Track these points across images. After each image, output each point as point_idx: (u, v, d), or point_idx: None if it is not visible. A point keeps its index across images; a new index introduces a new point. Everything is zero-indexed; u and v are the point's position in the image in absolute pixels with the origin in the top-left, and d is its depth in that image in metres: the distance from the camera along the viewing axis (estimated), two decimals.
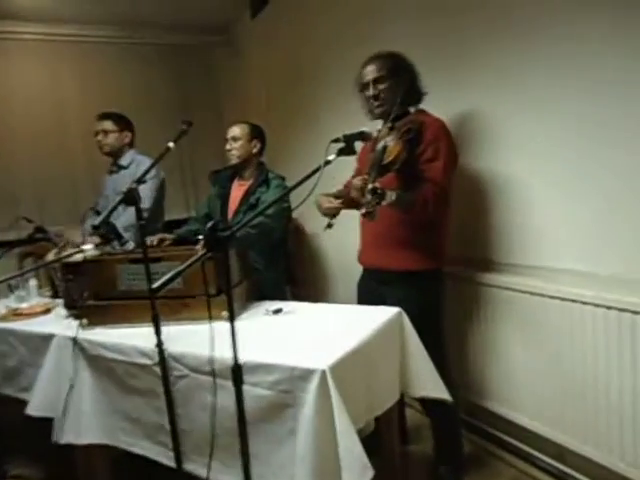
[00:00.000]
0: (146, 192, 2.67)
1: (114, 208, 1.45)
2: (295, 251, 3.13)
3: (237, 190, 2.44)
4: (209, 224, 1.12)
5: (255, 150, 2.45)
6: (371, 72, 1.90)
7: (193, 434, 1.61)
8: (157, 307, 1.51)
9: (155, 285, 1.04)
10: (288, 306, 1.98)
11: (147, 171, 1.61)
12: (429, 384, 1.81)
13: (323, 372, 1.31)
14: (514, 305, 2.06)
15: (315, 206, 1.93)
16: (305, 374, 1.34)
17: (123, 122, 2.73)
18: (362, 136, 1.64)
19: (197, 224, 2.46)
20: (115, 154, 2.73)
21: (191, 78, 4.72)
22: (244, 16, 4.32)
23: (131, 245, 2.35)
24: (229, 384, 1.42)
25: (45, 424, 1.91)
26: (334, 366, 1.34)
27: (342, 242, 3.23)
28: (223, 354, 1.38)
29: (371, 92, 1.89)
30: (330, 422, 1.31)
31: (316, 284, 3.50)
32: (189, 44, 4.64)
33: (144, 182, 2.64)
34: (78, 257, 1.95)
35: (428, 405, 2.04)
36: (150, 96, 4.39)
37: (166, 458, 1.68)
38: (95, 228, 1.50)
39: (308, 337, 1.62)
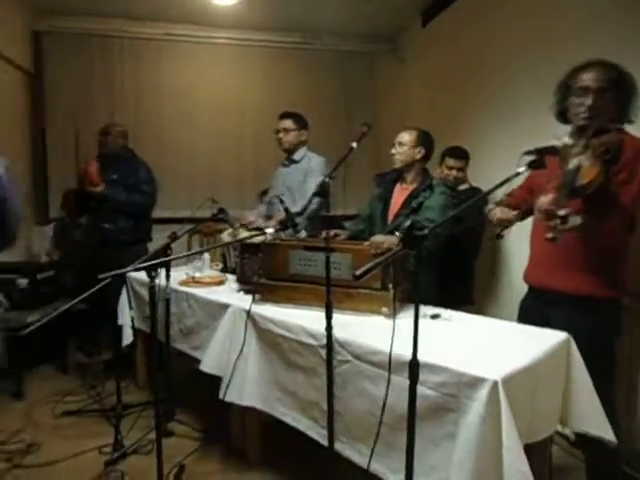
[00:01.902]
0: (310, 185, 2.88)
1: (310, 200, 1.60)
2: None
3: (399, 194, 2.50)
4: (407, 222, 1.18)
5: (418, 156, 2.48)
6: (591, 80, 1.75)
7: (345, 417, 1.70)
8: (330, 294, 1.63)
9: (357, 273, 1.13)
10: (445, 313, 1.99)
11: (335, 168, 1.74)
12: (593, 420, 1.68)
13: (495, 383, 1.30)
14: None
15: (488, 215, 1.90)
16: (474, 382, 1.34)
17: (301, 121, 2.97)
18: (554, 151, 1.59)
19: (363, 224, 2.58)
20: (292, 150, 2.97)
21: (354, 83, 4.94)
22: (414, 25, 4.40)
23: (303, 234, 2.54)
24: (393, 377, 1.50)
25: (210, 380, 2.17)
26: (506, 379, 1.33)
27: (505, 257, 3.18)
28: (391, 348, 1.44)
29: (590, 102, 1.76)
30: (496, 434, 1.29)
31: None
32: (358, 51, 4.86)
33: (313, 175, 2.90)
34: (257, 239, 2.16)
35: (587, 444, 1.89)
36: (317, 98, 4.69)
37: (316, 434, 1.81)
38: (298, 215, 1.66)
39: (474, 346, 1.62)
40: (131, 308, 2.84)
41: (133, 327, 2.85)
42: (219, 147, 4.54)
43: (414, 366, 1.25)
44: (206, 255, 2.98)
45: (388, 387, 1.46)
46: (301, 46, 4.68)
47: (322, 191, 1.60)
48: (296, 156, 2.99)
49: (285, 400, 1.94)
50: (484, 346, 1.63)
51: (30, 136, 4.24)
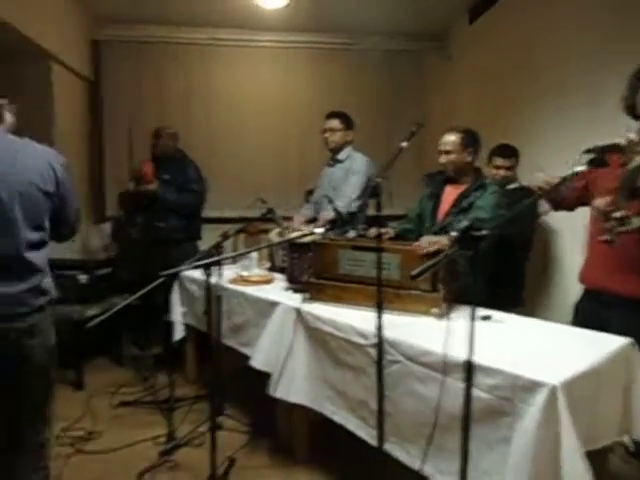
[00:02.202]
0: (354, 184, 2.89)
1: (365, 202, 1.61)
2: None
3: (450, 193, 2.46)
4: (464, 223, 1.17)
5: (469, 158, 2.43)
6: None
7: (395, 417, 1.70)
8: (381, 294, 1.64)
9: (414, 273, 1.13)
10: (496, 315, 1.95)
11: (387, 168, 1.74)
12: None
13: (554, 388, 1.27)
14: None
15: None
16: (531, 386, 1.32)
17: (348, 121, 2.99)
18: (617, 148, 1.53)
19: (411, 223, 2.56)
20: (337, 150, 2.99)
21: (400, 82, 4.91)
22: (461, 22, 4.33)
23: (352, 233, 2.56)
24: (445, 379, 1.49)
25: (257, 376, 2.22)
26: (565, 384, 1.29)
27: (557, 257, 3.09)
28: (444, 350, 1.43)
29: None
30: (555, 440, 1.26)
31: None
32: (404, 50, 4.82)
33: (355, 174, 2.92)
34: (306, 238, 2.20)
35: None
36: (363, 98, 4.70)
37: (365, 433, 1.82)
38: (353, 215, 1.67)
39: (528, 349, 1.58)
40: (182, 304, 2.94)
41: (184, 323, 2.95)
42: (264, 147, 4.62)
43: (469, 368, 1.23)
44: (254, 254, 3.05)
45: (442, 389, 1.45)
46: (347, 46, 4.70)
47: (374, 191, 1.60)
48: (341, 156, 3.01)
49: (334, 398, 1.96)
50: (539, 349, 1.60)
51: (88, 139, 4.46)
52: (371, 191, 1.59)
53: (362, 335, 1.80)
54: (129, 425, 2.62)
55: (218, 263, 1.92)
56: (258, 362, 2.21)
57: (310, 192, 3.71)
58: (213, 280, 2.00)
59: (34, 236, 1.50)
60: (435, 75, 4.85)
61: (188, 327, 3.02)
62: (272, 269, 2.95)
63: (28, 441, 1.58)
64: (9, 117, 1.59)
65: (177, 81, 4.53)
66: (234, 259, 3.06)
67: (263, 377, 2.20)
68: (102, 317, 1.88)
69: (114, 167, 4.46)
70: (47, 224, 1.55)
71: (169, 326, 3.01)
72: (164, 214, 3.36)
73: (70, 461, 2.26)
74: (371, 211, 3.09)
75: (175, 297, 2.99)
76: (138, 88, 4.46)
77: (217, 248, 2.30)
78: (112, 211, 4.36)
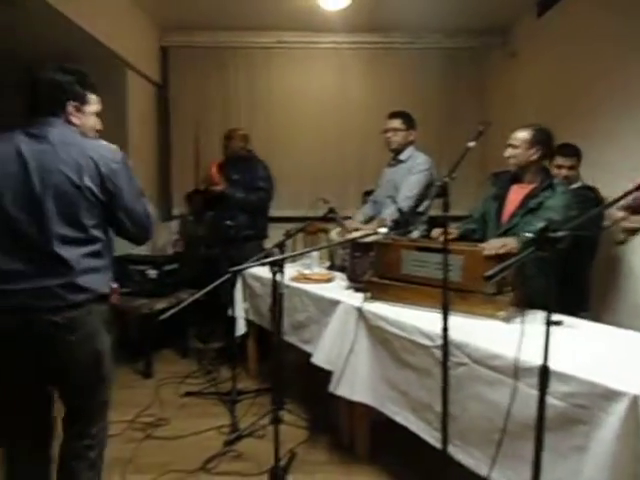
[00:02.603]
0: (413, 183, 2.87)
1: (430, 202, 1.60)
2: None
3: (516, 193, 2.39)
4: (539, 224, 1.14)
5: (534, 157, 2.33)
6: None
7: (460, 420, 1.68)
8: (447, 295, 1.62)
9: (488, 274, 1.12)
10: (568, 320, 1.88)
11: (454, 169, 1.71)
12: None
13: (635, 397, 1.21)
14: None
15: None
16: (609, 394, 1.26)
17: (410, 121, 2.97)
18: None
19: (475, 224, 2.51)
20: (399, 150, 2.98)
21: (460, 80, 4.81)
22: (528, 16, 4.18)
23: (415, 234, 2.55)
24: (517, 384, 1.45)
25: (316, 373, 2.26)
26: None
27: (625, 261, 2.92)
28: (517, 354, 1.40)
29: None
30: (634, 451, 1.21)
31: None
32: (464, 47, 4.72)
33: (415, 174, 2.89)
34: (370, 238, 2.21)
35: None
36: (422, 97, 4.65)
37: (429, 435, 1.81)
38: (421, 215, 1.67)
39: (603, 356, 1.52)
40: (245, 300, 3.04)
41: (246, 319, 3.05)
42: (324, 148, 4.69)
43: (544, 373, 1.20)
44: (314, 253, 3.09)
45: (513, 394, 1.42)
46: (407, 45, 4.67)
47: (441, 191, 1.59)
48: (403, 156, 2.99)
49: (396, 399, 1.96)
50: (614, 356, 1.53)
51: (157, 142, 4.69)
52: (438, 191, 1.58)
53: (427, 336, 1.79)
54: (194, 414, 2.74)
55: (284, 261, 1.97)
56: (320, 360, 2.25)
57: (368, 193, 3.71)
58: (274, 278, 2.07)
59: (68, 232, 1.47)
60: (498, 72, 4.71)
61: (249, 323, 3.11)
62: (332, 268, 2.99)
63: (75, 426, 1.63)
64: (77, 118, 1.57)
65: (241, 84, 4.68)
66: (294, 257, 3.13)
67: (322, 374, 2.24)
68: (173, 310, 1.98)
69: (180, 168, 4.67)
70: (90, 221, 1.50)
71: (231, 321, 3.11)
72: (232, 213, 3.47)
73: (141, 445, 2.40)
74: (436, 211, 3.06)
75: (238, 293, 3.09)
76: (203, 92, 4.64)
77: (281, 246, 2.37)
78: (178, 210, 4.56)
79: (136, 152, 3.91)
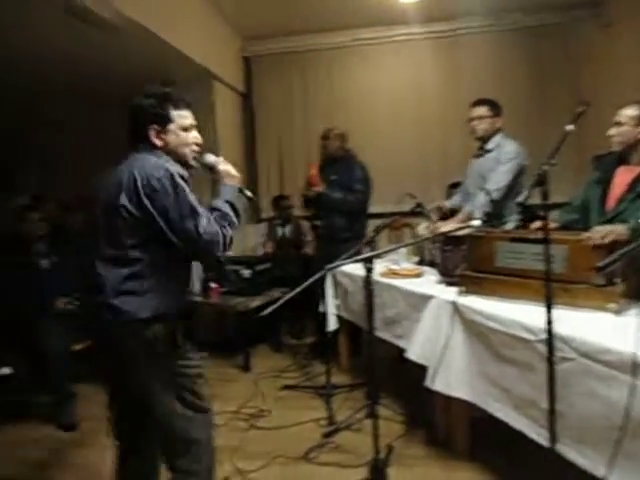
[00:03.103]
0: (503, 173, 2.75)
1: (529, 192, 1.55)
2: None
3: (622, 176, 2.22)
4: None
5: None
6: None
7: (570, 418, 1.60)
8: (550, 288, 1.55)
9: (601, 264, 1.07)
10: None
11: (553, 154, 1.63)
12: None
13: None
14: None
15: None
16: None
17: (496, 108, 2.86)
18: None
19: (575, 212, 2.37)
20: (486, 139, 2.88)
21: (547, 59, 4.52)
22: None
23: (510, 225, 2.47)
24: (636, 381, 1.36)
25: (409, 368, 2.26)
26: None
27: None
28: (636, 349, 1.32)
29: None
30: None
31: None
32: (550, 24, 4.44)
33: (505, 163, 2.78)
34: (462, 231, 2.17)
35: None
36: (508, 81, 4.44)
37: (534, 432, 1.74)
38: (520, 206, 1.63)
39: None
40: (336, 297, 3.11)
41: (337, 315, 3.12)
42: (404, 142, 4.64)
43: None
44: (402, 248, 3.09)
45: (632, 391, 1.33)
46: (485, 29, 4.49)
47: (540, 180, 1.53)
48: (490, 145, 2.88)
49: (497, 395, 1.91)
50: None
51: (243, 149, 4.94)
52: (537, 180, 1.52)
53: (529, 330, 1.73)
54: (293, 407, 2.87)
55: (376, 257, 2.00)
56: (414, 354, 2.26)
57: (455, 185, 3.63)
58: (368, 274, 2.10)
59: (109, 251, 1.48)
60: (590, 47, 4.36)
61: (340, 319, 3.18)
62: (420, 263, 2.97)
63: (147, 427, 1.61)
64: (159, 140, 1.55)
65: (320, 86, 4.77)
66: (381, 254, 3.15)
67: (416, 368, 2.24)
68: (273, 307, 2.07)
69: (266, 173, 4.88)
70: (129, 240, 1.45)
71: (322, 317, 3.20)
72: (327, 214, 3.52)
73: (247, 434, 2.56)
74: (533, 200, 2.93)
75: (329, 290, 3.17)
76: (285, 97, 4.80)
77: (370, 243, 2.40)
78: (266, 213, 4.76)
79: (225, 159, 4.14)
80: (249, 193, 1.78)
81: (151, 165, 1.46)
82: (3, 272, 2.96)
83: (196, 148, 1.64)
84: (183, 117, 1.60)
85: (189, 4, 3.59)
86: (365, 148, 4.58)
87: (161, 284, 1.50)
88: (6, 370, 2.84)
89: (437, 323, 2.19)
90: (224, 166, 1.68)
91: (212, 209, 1.55)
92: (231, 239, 1.53)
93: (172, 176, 1.44)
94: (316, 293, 3.19)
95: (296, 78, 4.79)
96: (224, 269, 3.70)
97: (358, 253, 2.12)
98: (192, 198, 1.46)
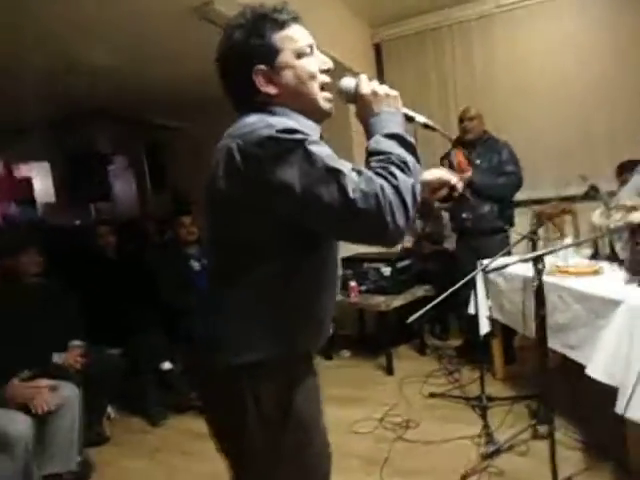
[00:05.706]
0: None
1: None
2: None
3: None
4: None
5: None
6: None
7: None
8: None
9: None
10: None
11: None
12: None
13: None
14: None
15: None
16: None
17: None
18: None
19: None
20: None
21: None
22: None
23: None
24: None
25: (592, 385, 1.84)
26: None
27: None
28: None
29: None
30: None
31: None
32: None
33: None
34: None
35: None
36: None
37: None
38: None
39: None
40: (488, 298, 2.77)
41: (490, 317, 2.78)
42: (562, 117, 3.96)
43: None
44: (569, 240, 2.63)
45: None
46: None
47: None
48: None
49: None
50: None
51: None
52: None
53: None
54: (442, 418, 2.61)
55: (546, 254, 1.66)
56: (596, 372, 1.84)
57: (632, 163, 2.99)
58: (530, 273, 1.76)
59: (219, 261, 1.07)
60: None
61: (493, 321, 2.83)
62: (595, 257, 2.48)
63: None
64: (273, 86, 1.04)
65: (458, 61, 4.34)
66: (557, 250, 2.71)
67: (593, 385, 1.82)
68: (420, 312, 1.86)
69: None
70: (249, 238, 0.99)
71: (470, 319, 2.89)
72: (471, 203, 3.17)
73: (394, 446, 2.37)
74: None
75: (480, 290, 2.83)
76: (419, 78, 4.47)
77: (532, 235, 2.04)
78: None
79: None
80: (423, 119, 1.14)
81: (249, 125, 0.96)
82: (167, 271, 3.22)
83: (326, 79, 1.08)
84: (294, 38, 1.04)
85: None
86: (513, 125, 4.07)
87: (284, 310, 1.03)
88: (168, 365, 3.05)
89: (629, 335, 1.75)
90: (371, 87, 1.05)
91: (368, 156, 0.98)
92: (414, 194, 0.92)
93: (284, 130, 0.93)
94: (461, 291, 2.88)
95: (430, 58, 4.42)
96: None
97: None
98: (324, 151, 0.93)
